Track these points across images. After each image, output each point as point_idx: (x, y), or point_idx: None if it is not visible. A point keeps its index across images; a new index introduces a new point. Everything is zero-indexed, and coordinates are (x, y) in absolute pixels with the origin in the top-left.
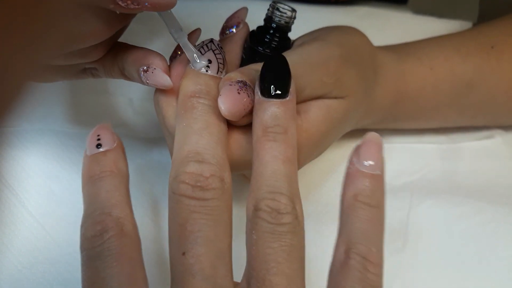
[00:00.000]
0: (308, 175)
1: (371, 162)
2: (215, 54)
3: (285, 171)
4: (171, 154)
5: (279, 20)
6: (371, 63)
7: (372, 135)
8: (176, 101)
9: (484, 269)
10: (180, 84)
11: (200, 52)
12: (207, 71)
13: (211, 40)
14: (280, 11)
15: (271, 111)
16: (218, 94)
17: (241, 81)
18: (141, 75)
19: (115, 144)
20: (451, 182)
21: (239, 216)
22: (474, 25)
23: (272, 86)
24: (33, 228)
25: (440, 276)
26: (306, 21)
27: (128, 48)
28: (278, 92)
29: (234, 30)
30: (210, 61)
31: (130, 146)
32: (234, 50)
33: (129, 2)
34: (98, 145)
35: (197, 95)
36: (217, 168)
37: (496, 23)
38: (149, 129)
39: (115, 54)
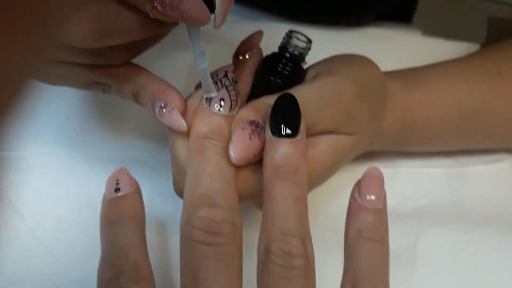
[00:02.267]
0: (315, 200)
1: (373, 197)
2: (228, 91)
3: (296, 212)
4: (176, 187)
5: (293, 50)
6: (381, 95)
7: (372, 170)
8: (188, 138)
9: None
10: (192, 123)
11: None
12: (219, 110)
13: (225, 75)
14: (295, 41)
15: (282, 150)
16: (230, 134)
17: (254, 121)
18: (156, 110)
19: (133, 188)
20: (459, 207)
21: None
22: (482, 45)
23: (282, 125)
24: (40, 254)
25: None
26: (315, 44)
27: (148, 76)
28: (289, 131)
29: (247, 56)
30: (223, 100)
31: (138, 170)
32: (246, 77)
33: (167, 7)
34: (117, 189)
35: (209, 136)
36: (229, 212)
37: (502, 47)
38: (157, 153)
39: (133, 76)
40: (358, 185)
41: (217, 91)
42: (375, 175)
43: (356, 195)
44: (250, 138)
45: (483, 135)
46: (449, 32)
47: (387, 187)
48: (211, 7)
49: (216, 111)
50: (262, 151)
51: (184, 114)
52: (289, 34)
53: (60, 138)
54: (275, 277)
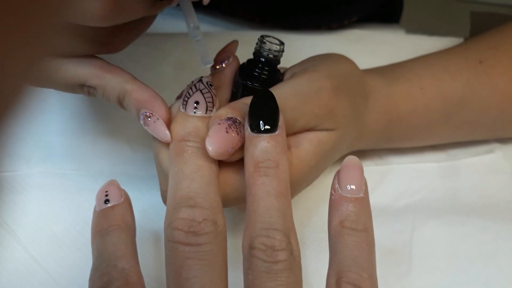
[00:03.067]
0: (308, 201)
1: (353, 186)
2: (203, 94)
3: (278, 206)
4: (163, 196)
5: (267, 54)
6: (361, 90)
7: (350, 159)
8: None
9: None
10: (170, 129)
11: (188, 93)
12: (195, 112)
13: (200, 79)
14: (268, 45)
15: (261, 146)
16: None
17: (231, 118)
18: (141, 118)
19: (122, 199)
20: (453, 200)
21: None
22: (465, 39)
23: (260, 121)
24: (36, 273)
25: None
26: (298, 49)
27: (135, 82)
28: (267, 126)
29: (224, 65)
30: (197, 102)
31: (130, 183)
32: (224, 85)
33: None
34: (106, 201)
35: (186, 138)
36: (210, 211)
37: (482, 37)
38: (148, 166)
39: (120, 81)
40: (338, 175)
41: (192, 96)
42: (354, 164)
43: (336, 186)
44: (227, 132)
45: (470, 125)
46: (434, 29)
47: (380, 185)
48: None
49: (192, 114)
50: (242, 146)
51: (169, 124)
52: (261, 39)
53: (52, 156)
54: (259, 272)
